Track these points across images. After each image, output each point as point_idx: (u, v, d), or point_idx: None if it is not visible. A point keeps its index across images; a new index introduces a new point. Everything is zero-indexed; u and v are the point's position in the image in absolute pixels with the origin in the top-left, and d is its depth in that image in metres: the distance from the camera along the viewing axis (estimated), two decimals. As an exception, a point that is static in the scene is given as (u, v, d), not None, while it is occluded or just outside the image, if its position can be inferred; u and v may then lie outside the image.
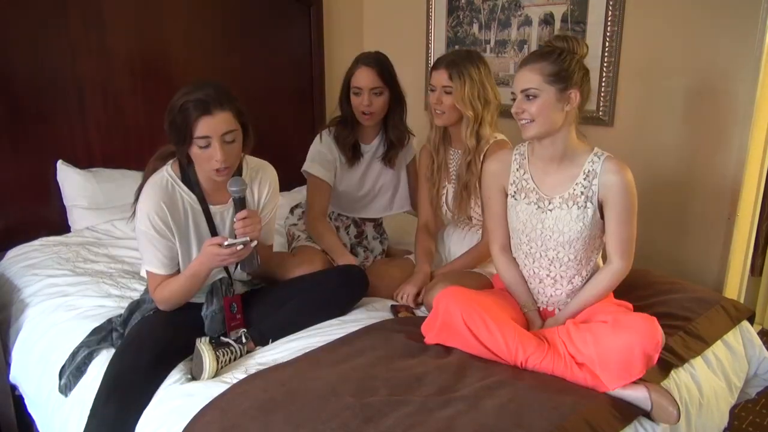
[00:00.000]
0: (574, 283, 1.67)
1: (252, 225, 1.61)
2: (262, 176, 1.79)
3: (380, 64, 2.10)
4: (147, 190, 1.63)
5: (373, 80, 2.07)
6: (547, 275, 1.69)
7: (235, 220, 1.61)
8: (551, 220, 1.63)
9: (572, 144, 1.61)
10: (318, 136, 2.21)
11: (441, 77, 1.93)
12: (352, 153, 2.18)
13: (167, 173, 1.67)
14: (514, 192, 1.70)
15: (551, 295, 1.71)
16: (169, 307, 1.69)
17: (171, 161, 1.70)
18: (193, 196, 1.67)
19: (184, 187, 1.67)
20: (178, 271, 1.69)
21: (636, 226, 1.61)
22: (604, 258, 1.69)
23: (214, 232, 1.71)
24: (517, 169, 1.70)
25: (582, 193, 1.60)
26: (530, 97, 1.55)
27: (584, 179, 1.60)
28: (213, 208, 1.70)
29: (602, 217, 1.61)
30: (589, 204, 1.59)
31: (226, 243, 1.57)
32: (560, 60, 1.54)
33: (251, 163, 1.79)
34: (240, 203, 1.62)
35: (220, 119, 1.54)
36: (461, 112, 1.94)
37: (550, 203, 1.64)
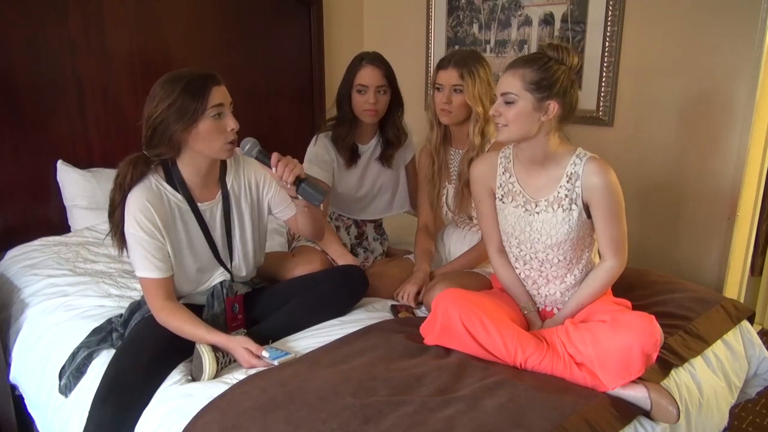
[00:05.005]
0: (566, 282, 1.67)
1: (291, 162, 1.60)
2: (246, 162, 1.78)
3: (385, 64, 2.12)
4: (131, 195, 1.60)
5: (379, 79, 2.09)
6: (539, 276, 1.69)
7: (273, 168, 1.59)
8: (539, 222, 1.63)
9: (552, 148, 1.59)
10: (314, 138, 2.21)
11: (451, 76, 1.93)
12: (350, 154, 2.19)
13: (151, 176, 1.64)
14: (502, 195, 1.70)
15: (546, 295, 1.71)
16: (166, 327, 1.62)
17: (152, 167, 1.66)
18: (179, 196, 1.66)
19: (169, 188, 1.65)
20: (173, 276, 1.66)
21: (625, 223, 1.60)
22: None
23: (205, 229, 1.70)
24: (503, 173, 1.70)
25: (566, 195, 1.59)
26: (508, 102, 1.54)
27: (567, 182, 1.59)
28: (201, 206, 1.69)
29: (589, 216, 1.61)
30: (573, 206, 1.59)
31: (266, 355, 1.54)
32: (544, 69, 1.52)
33: None
34: (263, 155, 1.62)
35: (225, 90, 1.61)
36: (469, 110, 1.95)
37: (536, 206, 1.63)
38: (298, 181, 1.60)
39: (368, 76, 2.08)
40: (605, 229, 1.59)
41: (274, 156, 1.60)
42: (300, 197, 1.63)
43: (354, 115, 2.15)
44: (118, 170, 1.63)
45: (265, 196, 1.81)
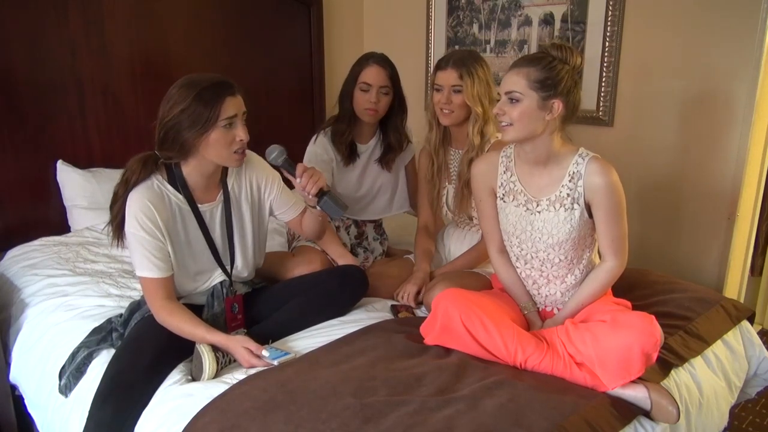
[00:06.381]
0: (567, 282, 1.67)
1: (316, 173, 1.62)
2: (247, 163, 1.78)
3: (391, 66, 2.13)
4: (133, 194, 1.60)
5: (384, 79, 2.09)
6: (540, 275, 1.69)
7: (297, 179, 1.62)
8: (540, 222, 1.63)
9: (555, 148, 1.59)
10: (313, 137, 2.22)
11: (450, 76, 1.93)
12: (348, 151, 2.19)
13: (154, 176, 1.64)
14: (503, 194, 1.70)
15: (546, 295, 1.71)
16: (166, 326, 1.62)
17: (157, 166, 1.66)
18: (181, 197, 1.65)
19: (171, 188, 1.65)
20: (173, 276, 1.66)
21: (626, 223, 1.60)
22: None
23: (205, 230, 1.70)
24: (504, 172, 1.70)
25: (568, 195, 1.59)
26: (513, 101, 1.54)
27: (569, 181, 1.59)
28: (202, 207, 1.69)
29: (591, 216, 1.61)
30: (575, 205, 1.59)
31: (266, 355, 1.54)
32: (549, 68, 1.52)
33: None
34: (289, 164, 1.64)
35: (240, 100, 1.60)
36: (468, 110, 1.95)
37: (538, 205, 1.63)
38: (321, 194, 1.64)
39: (373, 75, 2.09)
40: (606, 229, 1.59)
41: (300, 167, 1.63)
42: (319, 208, 1.67)
43: (354, 113, 2.15)
44: (127, 166, 1.63)
45: (267, 198, 1.81)
